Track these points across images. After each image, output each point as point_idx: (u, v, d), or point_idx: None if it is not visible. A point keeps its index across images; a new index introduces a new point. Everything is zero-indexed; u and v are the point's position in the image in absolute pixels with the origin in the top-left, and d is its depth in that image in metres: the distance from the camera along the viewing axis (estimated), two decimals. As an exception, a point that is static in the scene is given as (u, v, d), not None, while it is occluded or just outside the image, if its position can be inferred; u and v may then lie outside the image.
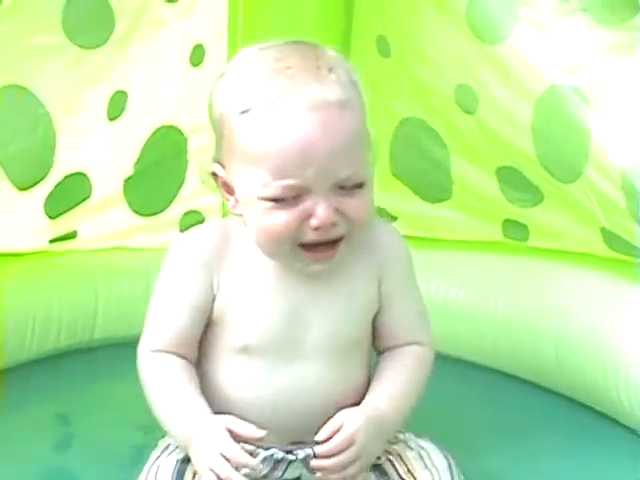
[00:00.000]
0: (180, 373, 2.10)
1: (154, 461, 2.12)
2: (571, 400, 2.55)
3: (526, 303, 2.63)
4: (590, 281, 2.55)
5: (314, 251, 2.02)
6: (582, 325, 2.51)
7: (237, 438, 1.97)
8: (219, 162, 2.08)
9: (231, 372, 2.11)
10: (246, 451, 2.04)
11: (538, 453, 2.36)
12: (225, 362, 2.12)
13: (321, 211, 1.97)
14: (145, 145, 2.76)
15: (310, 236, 1.99)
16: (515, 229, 2.67)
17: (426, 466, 2.10)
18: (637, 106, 2.36)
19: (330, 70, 2.01)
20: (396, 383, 2.13)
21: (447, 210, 2.74)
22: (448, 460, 2.11)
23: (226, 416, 2.02)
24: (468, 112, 2.63)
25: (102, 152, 2.71)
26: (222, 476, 1.95)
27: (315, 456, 2.03)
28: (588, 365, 2.48)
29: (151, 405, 2.10)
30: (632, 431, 2.42)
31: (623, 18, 2.36)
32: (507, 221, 2.67)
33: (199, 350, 2.14)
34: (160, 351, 2.11)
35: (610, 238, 2.47)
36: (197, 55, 2.76)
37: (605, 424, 2.47)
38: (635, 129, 2.39)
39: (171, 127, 2.78)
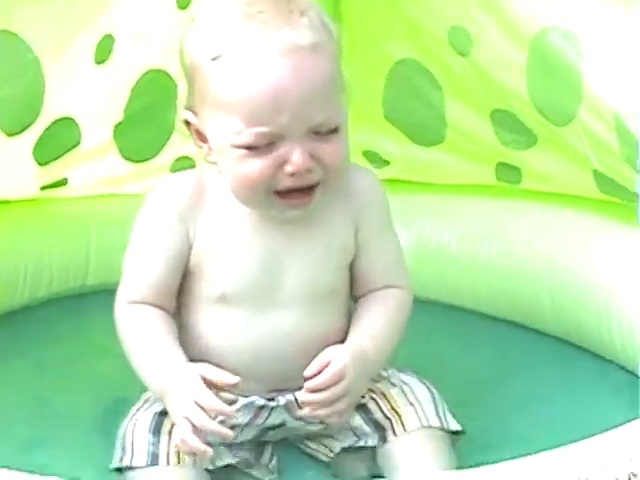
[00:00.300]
0: (157, 324, 2.10)
1: (133, 414, 2.15)
2: (566, 342, 2.57)
3: (519, 247, 2.64)
4: (583, 224, 2.57)
5: (290, 198, 2.02)
6: (575, 268, 2.53)
7: (212, 386, 1.98)
8: (191, 109, 2.09)
9: (209, 321, 2.12)
10: (226, 400, 2.04)
11: (529, 392, 2.39)
12: (203, 312, 2.12)
13: (296, 157, 1.96)
14: (133, 89, 2.76)
15: (285, 183, 1.99)
16: (508, 172, 2.67)
17: (409, 401, 2.12)
18: (631, 48, 2.34)
19: (302, 13, 2.01)
20: (377, 324, 2.14)
21: (440, 153, 2.74)
22: (431, 391, 2.14)
23: (200, 364, 2.02)
24: (462, 54, 2.61)
25: (90, 97, 2.71)
26: (197, 424, 1.95)
27: (299, 404, 2.05)
28: (582, 308, 2.49)
29: (128, 357, 2.11)
30: (625, 370, 2.43)
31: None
32: (500, 164, 2.68)
33: (178, 301, 2.15)
34: (137, 302, 2.11)
35: (602, 181, 2.48)
36: None
37: (600, 365, 2.48)
38: (629, 71, 2.34)
39: (160, 71, 2.77)
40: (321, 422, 2.10)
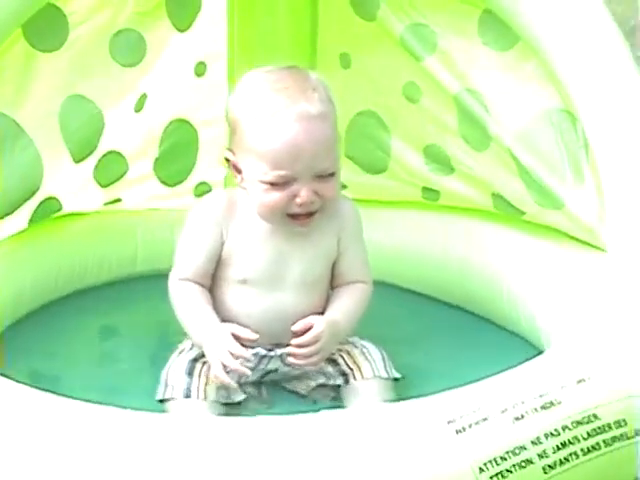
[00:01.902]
0: (198, 295, 2.19)
1: (173, 360, 2.22)
2: (468, 312, 2.59)
3: (440, 245, 2.65)
4: (484, 229, 2.57)
5: (297, 219, 2.13)
6: (478, 259, 2.56)
7: (238, 339, 2.08)
8: (231, 150, 2.17)
9: (235, 296, 2.21)
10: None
11: (446, 350, 2.41)
12: (231, 290, 2.21)
13: (304, 193, 2.07)
14: (163, 133, 2.74)
15: (295, 209, 2.10)
16: (430, 193, 2.65)
17: (366, 358, 2.21)
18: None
19: (314, 90, 2.09)
20: (346, 305, 2.22)
21: (384, 179, 2.71)
22: (382, 354, 2.23)
23: (230, 324, 2.12)
24: (413, 102, 2.61)
25: (132, 137, 2.70)
26: (228, 365, 2.05)
27: (289, 354, 2.11)
28: (484, 287, 2.53)
29: (178, 318, 2.19)
30: (512, 332, 2.46)
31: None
32: (424, 187, 2.66)
33: (214, 282, 2.22)
34: (184, 280, 2.20)
35: (497, 200, 2.50)
36: (200, 69, 2.74)
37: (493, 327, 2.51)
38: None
39: (182, 120, 2.76)
40: (301, 368, 2.16)
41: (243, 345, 2.08)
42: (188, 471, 1.58)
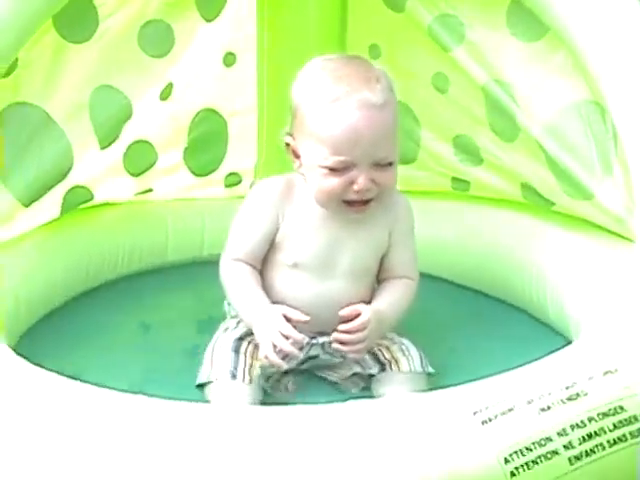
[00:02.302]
0: (249, 275, 2.21)
1: (216, 339, 2.25)
2: (499, 301, 2.59)
3: (470, 234, 2.66)
4: (514, 219, 2.59)
5: (353, 206, 2.14)
6: (508, 249, 2.57)
7: (289, 321, 2.09)
8: (291, 135, 2.18)
9: (284, 280, 2.22)
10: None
11: (475, 340, 2.42)
12: (281, 273, 2.22)
13: (362, 180, 2.08)
14: (192, 123, 2.76)
15: (352, 196, 2.11)
16: (460, 183, 2.68)
17: (404, 354, 2.23)
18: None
19: (377, 80, 2.10)
20: (393, 298, 2.23)
21: (414, 170, 2.71)
22: (420, 352, 2.24)
23: (281, 305, 2.14)
24: (442, 92, 2.62)
25: (160, 126, 2.71)
26: (279, 345, 2.07)
27: (335, 340, 2.12)
28: (514, 277, 2.54)
29: (229, 297, 2.22)
30: (540, 322, 2.48)
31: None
32: (454, 178, 2.68)
33: (265, 265, 2.23)
34: (237, 260, 2.22)
35: (526, 191, 2.52)
36: (229, 59, 2.76)
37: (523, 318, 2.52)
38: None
39: (211, 110, 2.77)
40: (342, 357, 2.19)
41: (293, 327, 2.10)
42: (211, 461, 1.60)
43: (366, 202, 2.13)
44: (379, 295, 2.24)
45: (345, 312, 2.12)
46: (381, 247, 2.25)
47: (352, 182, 2.09)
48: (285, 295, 2.20)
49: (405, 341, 2.26)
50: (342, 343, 2.12)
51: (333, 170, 2.09)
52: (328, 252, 2.20)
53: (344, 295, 2.20)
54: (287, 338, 2.07)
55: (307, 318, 2.10)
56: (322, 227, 2.20)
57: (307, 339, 2.17)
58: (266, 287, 2.21)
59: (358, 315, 2.12)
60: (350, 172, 2.09)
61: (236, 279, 2.21)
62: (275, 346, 2.07)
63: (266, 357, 2.09)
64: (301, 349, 2.15)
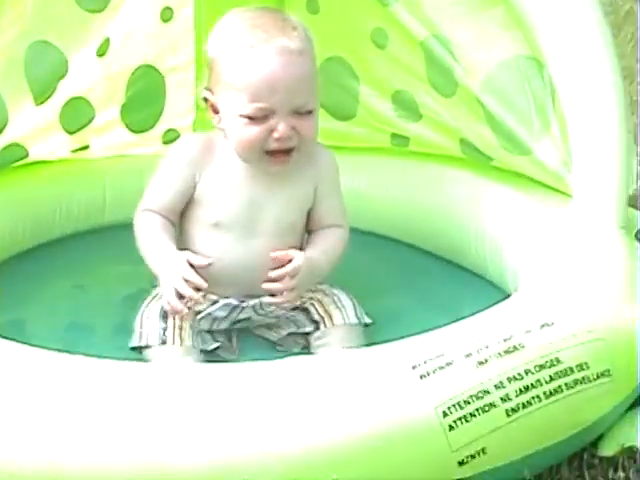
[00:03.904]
0: (158, 226, 2.18)
1: (146, 306, 2.22)
2: (437, 257, 2.60)
3: (408, 190, 2.65)
4: (453, 174, 2.59)
5: (275, 156, 2.13)
6: (447, 204, 2.57)
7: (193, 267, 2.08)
8: (209, 89, 2.18)
9: (205, 240, 2.20)
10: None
11: (414, 296, 2.45)
12: (201, 233, 2.21)
13: (282, 127, 2.08)
14: (129, 79, 2.73)
15: (273, 145, 2.10)
16: (400, 139, 2.68)
17: (337, 306, 2.23)
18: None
19: (294, 29, 2.12)
20: (325, 246, 2.22)
21: (353, 126, 2.72)
22: (352, 301, 2.25)
23: (185, 251, 2.13)
24: (380, 47, 2.61)
25: (96, 83, 2.68)
26: (184, 293, 2.06)
27: (262, 304, 2.16)
28: (452, 232, 2.55)
29: (139, 246, 2.19)
30: (479, 276, 2.49)
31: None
32: (393, 134, 2.68)
33: (187, 225, 2.22)
34: (149, 210, 2.21)
35: (465, 146, 2.53)
36: (166, 14, 2.72)
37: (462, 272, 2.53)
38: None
39: (149, 66, 2.75)
40: (275, 317, 2.20)
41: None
42: (164, 419, 1.61)
43: (287, 152, 2.12)
44: (310, 243, 2.24)
45: (276, 255, 2.11)
46: (306, 202, 2.25)
47: (272, 130, 2.08)
48: (209, 256, 2.15)
49: (338, 291, 2.26)
50: (274, 290, 2.12)
51: (252, 119, 2.08)
52: (250, 210, 2.19)
53: (269, 253, 2.16)
54: (191, 284, 2.05)
55: (209, 261, 2.10)
56: (244, 185, 2.19)
57: (235, 302, 2.18)
58: (189, 247, 2.19)
59: (290, 260, 2.11)
60: (270, 120, 2.08)
61: (145, 229, 2.20)
62: (179, 293, 2.06)
63: (168, 303, 2.08)
64: (233, 311, 2.17)
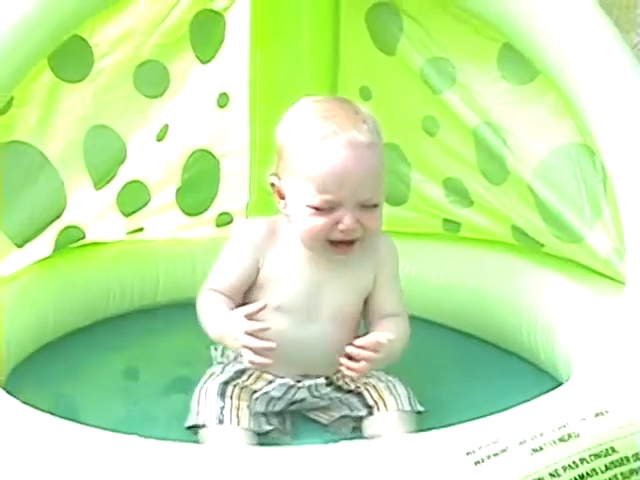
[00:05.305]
0: (219, 301, 2.19)
1: (203, 384, 2.22)
2: (489, 343, 2.60)
3: (461, 276, 2.67)
4: (505, 261, 2.61)
5: (338, 246, 2.14)
6: (499, 291, 2.58)
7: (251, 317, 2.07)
8: (276, 175, 2.19)
9: (268, 323, 2.12)
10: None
11: (467, 383, 2.43)
12: (262, 315, 2.15)
13: (347, 220, 2.09)
14: (186, 163, 2.78)
15: (337, 236, 2.12)
16: (451, 225, 2.70)
17: (391, 393, 2.21)
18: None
19: (364, 122, 2.12)
20: (394, 331, 2.17)
21: (405, 211, 2.75)
22: (407, 390, 2.23)
23: (239, 308, 2.12)
24: (431, 135, 2.65)
25: (154, 168, 2.74)
26: (252, 347, 2.04)
27: (317, 386, 2.17)
28: (505, 319, 2.54)
29: (201, 322, 2.19)
30: (531, 363, 2.49)
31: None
32: (445, 219, 2.70)
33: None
34: (212, 290, 2.22)
35: (517, 233, 2.55)
36: (222, 100, 2.79)
37: (513, 359, 2.52)
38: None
39: (204, 150, 2.80)
40: (329, 399, 2.21)
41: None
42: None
43: (351, 243, 2.14)
44: (380, 328, 2.20)
45: (363, 343, 2.09)
46: (365, 290, 2.25)
47: (337, 222, 2.09)
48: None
49: (392, 379, 2.25)
50: (350, 358, 2.09)
51: (319, 210, 2.10)
52: (311, 295, 2.21)
53: (328, 338, 2.20)
54: (256, 333, 2.05)
55: (263, 304, 2.10)
56: (305, 270, 2.20)
57: (291, 382, 2.19)
58: None
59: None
60: (336, 212, 2.09)
61: (206, 306, 2.20)
62: (251, 349, 2.05)
63: (250, 362, 2.06)
64: (288, 391, 2.17)
